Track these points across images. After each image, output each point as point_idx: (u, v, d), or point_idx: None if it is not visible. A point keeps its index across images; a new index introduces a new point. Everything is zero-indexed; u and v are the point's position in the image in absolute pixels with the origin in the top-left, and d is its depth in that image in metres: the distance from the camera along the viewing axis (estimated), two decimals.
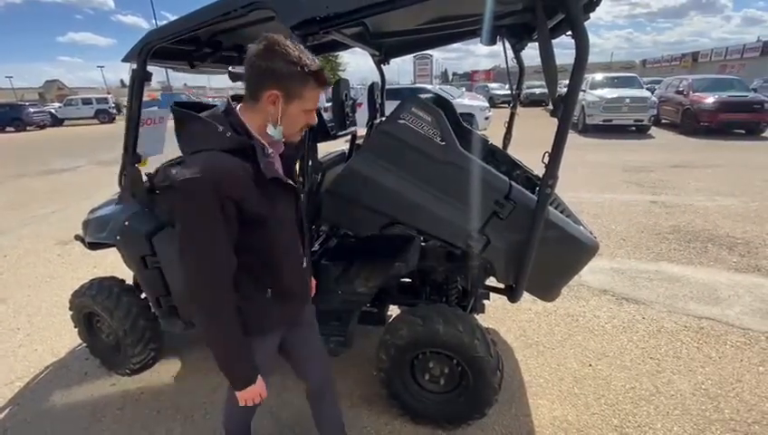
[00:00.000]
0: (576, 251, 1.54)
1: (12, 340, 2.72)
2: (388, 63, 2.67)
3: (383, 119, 2.04)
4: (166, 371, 2.33)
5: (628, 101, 10.78)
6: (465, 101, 12.15)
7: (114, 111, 22.99)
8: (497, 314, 2.78)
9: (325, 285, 1.93)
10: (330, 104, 2.04)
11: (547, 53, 1.30)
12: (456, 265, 1.98)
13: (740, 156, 7.65)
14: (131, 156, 1.88)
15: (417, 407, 1.84)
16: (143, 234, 1.91)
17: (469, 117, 11.40)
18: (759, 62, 26.57)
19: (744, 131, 10.23)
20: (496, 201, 1.49)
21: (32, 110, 21.12)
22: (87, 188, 6.87)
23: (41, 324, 2.88)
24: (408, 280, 2.31)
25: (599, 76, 13.29)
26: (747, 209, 4.67)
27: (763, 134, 10.03)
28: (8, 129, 19.87)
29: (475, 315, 2.40)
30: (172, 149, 2.37)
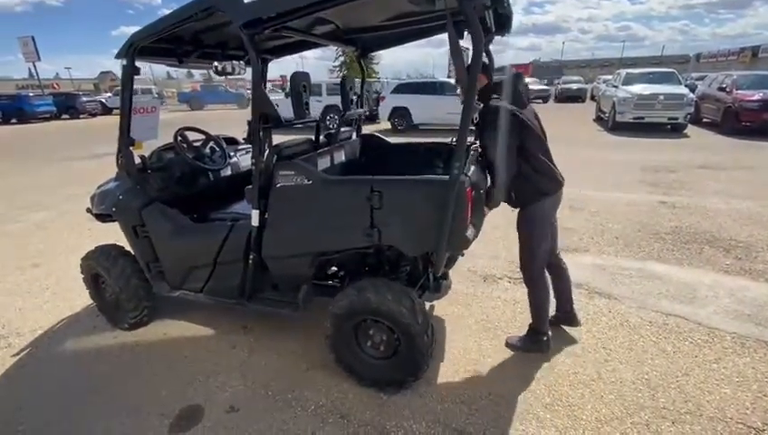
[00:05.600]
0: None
1: (40, 297, 3.17)
2: (368, 57, 2.84)
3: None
4: (159, 330, 2.66)
5: (662, 97, 10.24)
6: None
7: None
8: (466, 299, 2.92)
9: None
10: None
11: (454, 50, 1.45)
12: None
13: None
14: (126, 139, 2.18)
15: (361, 371, 2.05)
16: (134, 207, 2.21)
17: None
18: None
19: None
20: (367, 198, 1.74)
21: (84, 99, 22.99)
22: None
23: (65, 286, 3.32)
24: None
25: (634, 71, 12.71)
26: (761, 213, 4.46)
27: None
28: (64, 116, 21.72)
29: (436, 296, 2.57)
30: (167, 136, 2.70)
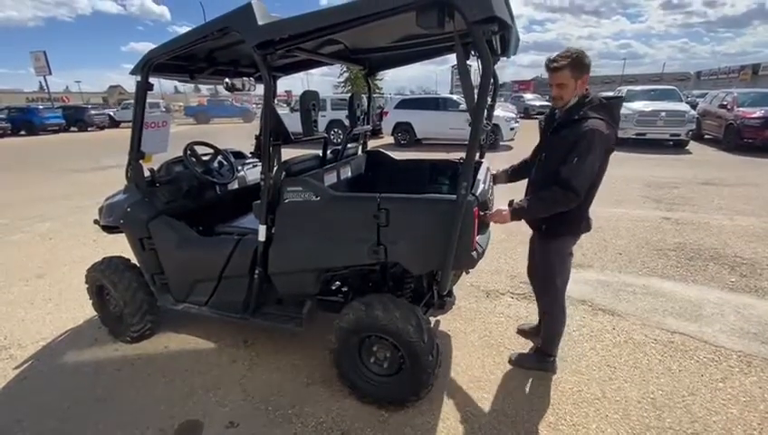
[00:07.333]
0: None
1: (44, 308, 3.18)
2: (376, 75, 2.90)
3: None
4: (160, 343, 2.65)
5: (663, 114, 10.36)
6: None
7: None
8: (468, 315, 2.90)
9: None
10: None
11: (463, 71, 1.48)
12: None
13: None
14: (136, 153, 2.22)
15: (363, 387, 2.03)
16: (142, 219, 2.24)
17: (495, 127, 11.43)
18: None
19: None
20: (374, 215, 1.75)
21: (93, 112, 23.48)
22: None
23: (69, 297, 3.32)
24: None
25: (635, 88, 12.85)
26: (766, 230, 4.44)
27: None
28: (72, 129, 22.08)
29: (439, 312, 2.57)
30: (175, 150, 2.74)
